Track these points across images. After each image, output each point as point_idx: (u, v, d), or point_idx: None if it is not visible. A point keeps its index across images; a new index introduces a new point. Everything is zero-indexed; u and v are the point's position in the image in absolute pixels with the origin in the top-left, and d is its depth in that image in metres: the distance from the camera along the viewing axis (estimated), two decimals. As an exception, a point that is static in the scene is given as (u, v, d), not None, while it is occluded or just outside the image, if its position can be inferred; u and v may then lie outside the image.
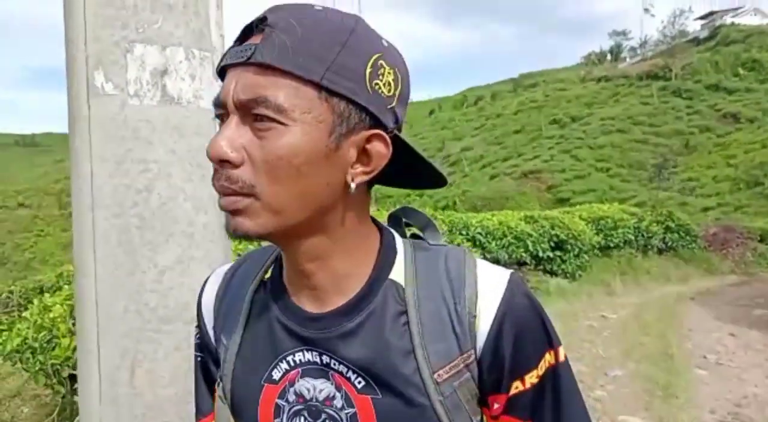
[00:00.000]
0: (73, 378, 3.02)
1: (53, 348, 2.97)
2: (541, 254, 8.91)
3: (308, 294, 0.76)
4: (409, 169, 0.77)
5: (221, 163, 0.65)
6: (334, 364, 0.74)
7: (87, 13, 1.06)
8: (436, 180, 0.79)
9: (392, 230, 0.81)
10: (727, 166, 30.35)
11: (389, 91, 0.69)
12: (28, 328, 3.15)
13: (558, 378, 0.74)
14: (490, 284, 0.74)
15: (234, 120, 0.66)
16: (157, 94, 1.06)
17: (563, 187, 31.71)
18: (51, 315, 3.16)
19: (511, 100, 54.69)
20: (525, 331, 0.73)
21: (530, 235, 8.74)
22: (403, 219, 0.85)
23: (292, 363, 0.76)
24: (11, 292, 6.20)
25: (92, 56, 1.05)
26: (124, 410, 1.07)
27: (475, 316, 0.72)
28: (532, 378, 0.73)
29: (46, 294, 3.93)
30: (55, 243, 43.67)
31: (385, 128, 0.69)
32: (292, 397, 0.76)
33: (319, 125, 0.65)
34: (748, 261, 13.73)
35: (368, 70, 0.66)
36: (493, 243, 8.17)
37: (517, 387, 0.73)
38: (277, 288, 0.79)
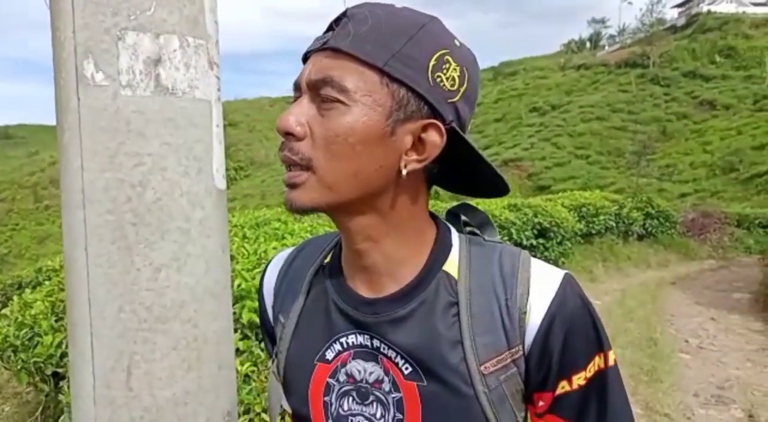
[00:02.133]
0: (56, 375, 2.96)
1: (35, 346, 2.90)
2: (524, 242, 8.95)
3: (363, 278, 0.79)
4: (469, 173, 0.79)
5: (286, 136, 0.71)
6: (384, 349, 0.76)
7: (75, -1, 1.00)
8: (496, 187, 0.80)
9: (449, 224, 0.83)
10: (704, 153, 30.79)
11: (452, 85, 0.71)
12: (9, 326, 3.07)
13: (606, 383, 0.74)
14: (543, 282, 0.74)
15: (305, 99, 0.71)
16: (151, 84, 1.02)
17: (544, 175, 31.91)
18: (32, 311, 3.09)
19: (491, 88, 54.79)
20: (575, 331, 0.73)
21: (514, 223, 8.78)
22: (462, 216, 0.86)
23: (345, 345, 0.79)
24: (-11, 288, 6.05)
25: (81, 44, 1.00)
26: (122, 412, 1.04)
27: (525, 312, 0.73)
28: (579, 380, 0.73)
29: (27, 290, 3.84)
30: (30, 237, 42.93)
31: (443, 120, 0.71)
32: (342, 377, 0.79)
33: (377, 108, 0.68)
34: (726, 246, 13.99)
35: (432, 63, 0.69)
36: (477, 232, 8.19)
37: (563, 386, 0.73)
38: (335, 272, 0.83)
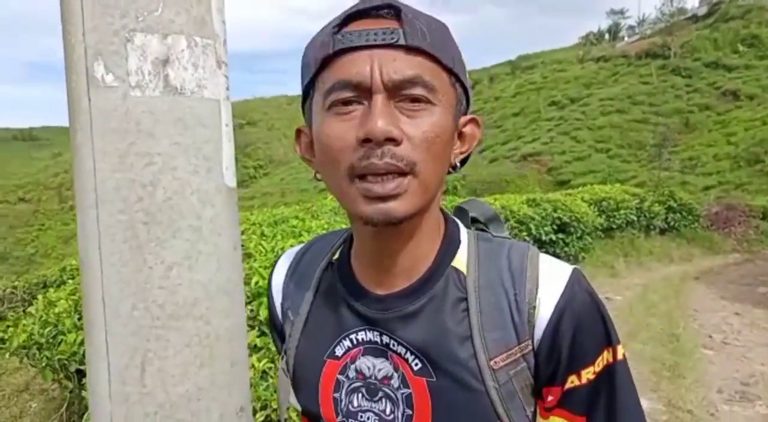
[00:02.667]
0: (80, 372, 3.01)
1: (59, 344, 2.96)
2: (543, 237, 8.88)
3: (376, 276, 0.79)
4: None
5: (387, 141, 0.66)
6: (393, 345, 0.76)
7: (84, 2, 1.02)
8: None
9: (458, 220, 0.83)
10: (728, 144, 30.20)
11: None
12: (34, 324, 3.14)
13: (615, 377, 0.74)
14: (552, 277, 0.75)
15: (381, 99, 0.67)
16: (160, 85, 1.03)
17: (563, 169, 31.57)
18: (56, 310, 3.16)
19: (509, 82, 54.35)
20: (584, 326, 0.73)
21: (533, 219, 8.71)
22: (470, 212, 0.87)
23: (354, 342, 0.79)
24: (15, 288, 6.18)
25: (91, 47, 1.01)
26: (136, 409, 1.05)
27: (534, 307, 0.73)
28: (588, 374, 0.73)
29: (51, 289, 3.92)
30: (56, 237, 43.70)
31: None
32: (352, 374, 0.79)
33: (450, 108, 0.71)
34: (751, 240, 13.71)
35: (464, 62, 0.74)
36: (496, 228, 8.15)
37: (572, 381, 0.74)
38: (344, 269, 0.83)
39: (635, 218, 11.28)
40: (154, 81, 1.05)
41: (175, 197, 1.07)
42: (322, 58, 0.70)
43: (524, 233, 8.52)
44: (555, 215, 9.15)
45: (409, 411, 0.75)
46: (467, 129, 0.76)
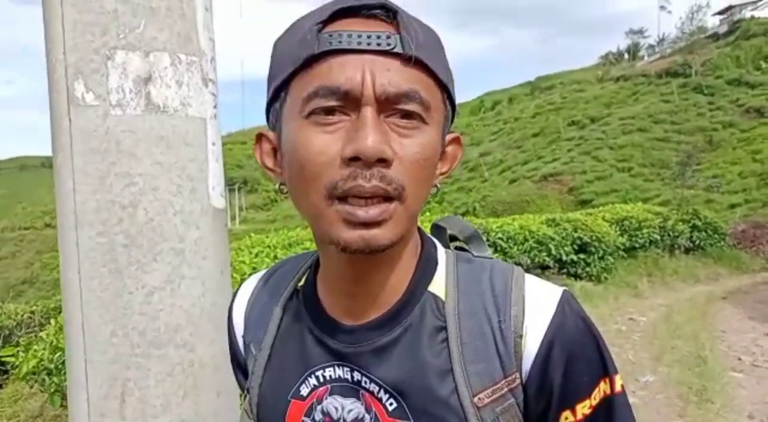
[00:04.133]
0: (89, 399, 2.97)
1: (69, 369, 2.94)
2: (564, 257, 8.73)
3: (345, 305, 0.71)
4: None
5: (376, 162, 0.58)
6: (366, 382, 0.68)
7: (65, 20, 0.99)
8: None
9: (435, 240, 0.76)
10: (753, 161, 29.65)
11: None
12: (44, 349, 3.12)
13: (613, 411, 0.67)
14: (539, 301, 0.67)
15: (371, 113, 0.59)
16: (141, 103, 0.99)
17: (585, 189, 31.22)
18: (66, 335, 3.14)
19: (528, 103, 54.27)
20: (577, 356, 0.66)
21: (552, 239, 8.58)
22: (448, 230, 0.80)
23: (321, 379, 0.71)
24: (33, 312, 6.20)
25: (71, 65, 0.99)
26: (116, 442, 0.99)
27: (521, 336, 0.65)
28: (584, 409, 0.66)
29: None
30: (81, 262, 44.07)
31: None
32: (318, 416, 0.71)
33: (440, 126, 0.65)
34: (780, 258, 13.32)
35: (452, 75, 0.67)
36: (515, 249, 8.03)
37: (567, 417, 0.66)
38: (310, 298, 0.74)
39: (659, 237, 11.06)
40: (135, 99, 1.02)
41: (157, 218, 1.04)
42: (304, 58, 0.60)
43: (544, 253, 8.38)
44: (575, 235, 9.01)
45: None
46: (450, 148, 0.70)
